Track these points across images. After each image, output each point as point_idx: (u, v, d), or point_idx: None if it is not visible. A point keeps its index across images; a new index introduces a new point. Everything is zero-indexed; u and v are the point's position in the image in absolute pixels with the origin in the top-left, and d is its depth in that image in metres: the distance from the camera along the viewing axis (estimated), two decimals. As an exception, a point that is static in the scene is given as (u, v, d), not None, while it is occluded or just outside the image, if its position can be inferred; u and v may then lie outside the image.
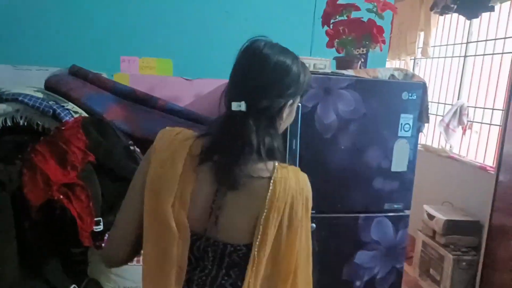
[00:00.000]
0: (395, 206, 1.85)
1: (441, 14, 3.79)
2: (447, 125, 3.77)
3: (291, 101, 1.01)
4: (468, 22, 3.76)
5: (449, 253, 3.22)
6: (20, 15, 2.01)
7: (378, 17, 1.81)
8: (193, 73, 2.30)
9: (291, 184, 0.95)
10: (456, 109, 3.73)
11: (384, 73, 1.82)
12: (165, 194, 0.92)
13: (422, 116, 1.80)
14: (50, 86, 1.87)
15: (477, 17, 3.41)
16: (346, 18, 1.89)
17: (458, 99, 3.86)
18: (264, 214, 0.91)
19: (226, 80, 2.40)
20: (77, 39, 2.11)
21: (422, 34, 4.22)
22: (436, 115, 4.16)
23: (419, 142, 4.43)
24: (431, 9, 3.89)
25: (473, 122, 3.66)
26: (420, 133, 1.85)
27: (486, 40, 3.57)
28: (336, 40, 1.94)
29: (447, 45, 4.11)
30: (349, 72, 1.79)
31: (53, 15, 2.06)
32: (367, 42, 1.87)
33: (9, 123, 1.69)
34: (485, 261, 3.02)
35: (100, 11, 2.13)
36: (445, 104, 4.05)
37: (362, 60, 1.91)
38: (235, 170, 0.92)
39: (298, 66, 1.01)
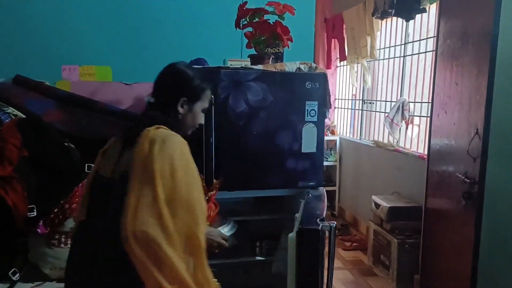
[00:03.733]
0: (310, 183, 2.06)
1: (381, 18, 4.08)
2: (392, 120, 4.02)
3: (184, 99, 1.41)
4: (405, 24, 4.05)
5: (394, 237, 3.42)
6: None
7: (279, 18, 2.04)
8: (131, 78, 2.50)
9: (152, 133, 1.27)
10: (399, 105, 3.98)
11: (291, 67, 2.05)
12: None
13: (325, 103, 2.03)
14: (-8, 94, 2.07)
15: (412, 18, 3.70)
16: (259, 20, 2.13)
17: (400, 96, 4.12)
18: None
19: (163, 83, 2.60)
20: (20, 51, 2.33)
21: (369, 38, 4.50)
22: (385, 112, 4.41)
23: (365, 137, 4.63)
24: (373, 14, 4.19)
25: (414, 116, 3.91)
26: (325, 118, 2.07)
27: (420, 40, 3.86)
28: (252, 40, 2.17)
29: (389, 47, 4.39)
30: (259, 67, 2.02)
31: (-5, 29, 2.29)
32: (277, 41, 2.11)
33: (-48, 128, 1.88)
34: (425, 243, 3.21)
35: (40, 23, 2.36)
36: (391, 101, 4.31)
37: (273, 57, 2.14)
38: (131, 132, 1.32)
39: (194, 76, 1.45)
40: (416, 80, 3.90)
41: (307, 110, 2.01)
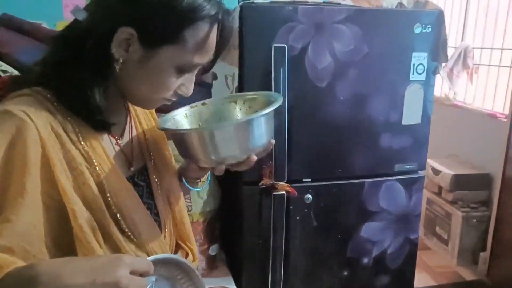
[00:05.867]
0: (407, 166, 1.53)
1: None
2: (451, 70, 3.42)
3: (130, 31, 0.67)
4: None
5: (457, 210, 3.00)
6: None
7: None
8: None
9: None
10: (460, 52, 3.38)
11: (390, 1, 1.44)
12: None
13: (438, 54, 1.45)
14: (-30, 41, 1.48)
15: None
16: None
17: (461, 41, 3.49)
18: None
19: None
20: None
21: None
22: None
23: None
24: None
25: (480, 65, 3.32)
26: (436, 76, 1.49)
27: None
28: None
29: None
30: (347, 1, 1.42)
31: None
32: (367, -35, 1.48)
33: None
34: (498, 216, 2.78)
35: None
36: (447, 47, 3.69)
37: (362, -13, 1.52)
38: None
39: None
40: (485, 23, 3.26)
41: (414, 65, 1.43)
